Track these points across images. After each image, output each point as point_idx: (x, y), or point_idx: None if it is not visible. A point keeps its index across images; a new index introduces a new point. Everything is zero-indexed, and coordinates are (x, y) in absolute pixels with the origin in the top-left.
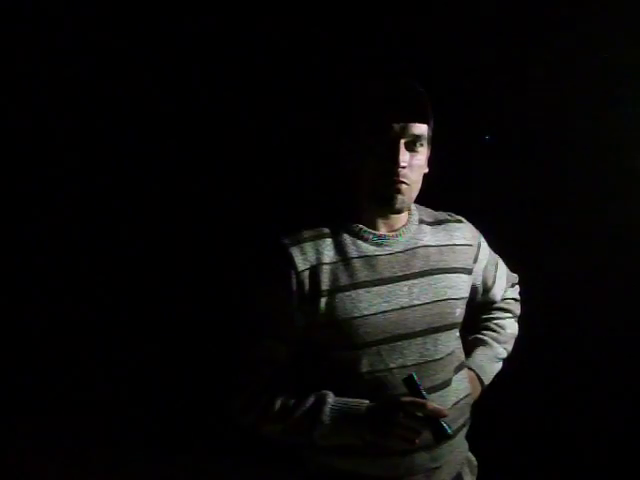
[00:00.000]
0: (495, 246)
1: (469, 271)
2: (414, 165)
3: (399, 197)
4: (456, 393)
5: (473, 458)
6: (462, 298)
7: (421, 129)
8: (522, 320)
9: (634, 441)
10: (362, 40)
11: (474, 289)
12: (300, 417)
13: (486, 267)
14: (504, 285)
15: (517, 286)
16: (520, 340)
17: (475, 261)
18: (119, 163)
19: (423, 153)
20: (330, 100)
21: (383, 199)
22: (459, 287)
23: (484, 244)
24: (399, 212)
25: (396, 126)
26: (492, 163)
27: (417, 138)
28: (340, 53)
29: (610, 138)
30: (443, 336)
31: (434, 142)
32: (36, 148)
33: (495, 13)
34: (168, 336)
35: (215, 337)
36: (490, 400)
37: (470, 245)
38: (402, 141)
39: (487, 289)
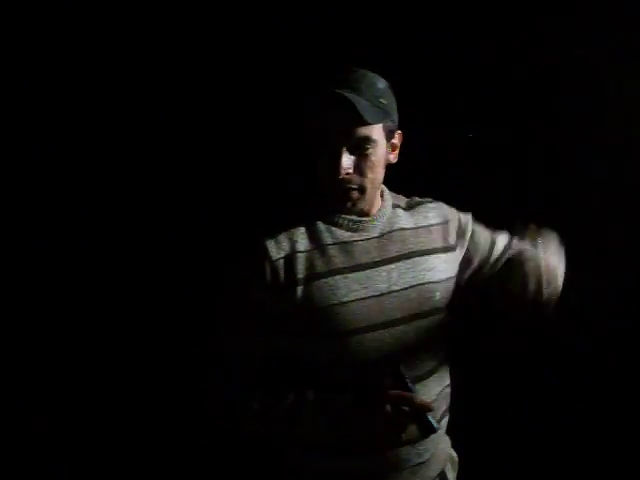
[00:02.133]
0: None
1: (452, 248)
2: (364, 167)
3: (349, 203)
4: (439, 382)
5: (455, 454)
6: (442, 280)
7: (366, 131)
8: None
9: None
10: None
11: (468, 259)
12: (279, 417)
13: (474, 233)
14: (507, 238)
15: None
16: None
17: (459, 236)
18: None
19: (375, 153)
20: (290, 102)
21: (335, 202)
22: (439, 269)
23: (465, 218)
24: (356, 211)
25: (336, 133)
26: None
27: (363, 141)
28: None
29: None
30: (424, 323)
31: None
32: (34, 148)
33: None
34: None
35: (192, 333)
36: (471, 395)
37: (447, 222)
38: (344, 147)
39: (491, 247)
